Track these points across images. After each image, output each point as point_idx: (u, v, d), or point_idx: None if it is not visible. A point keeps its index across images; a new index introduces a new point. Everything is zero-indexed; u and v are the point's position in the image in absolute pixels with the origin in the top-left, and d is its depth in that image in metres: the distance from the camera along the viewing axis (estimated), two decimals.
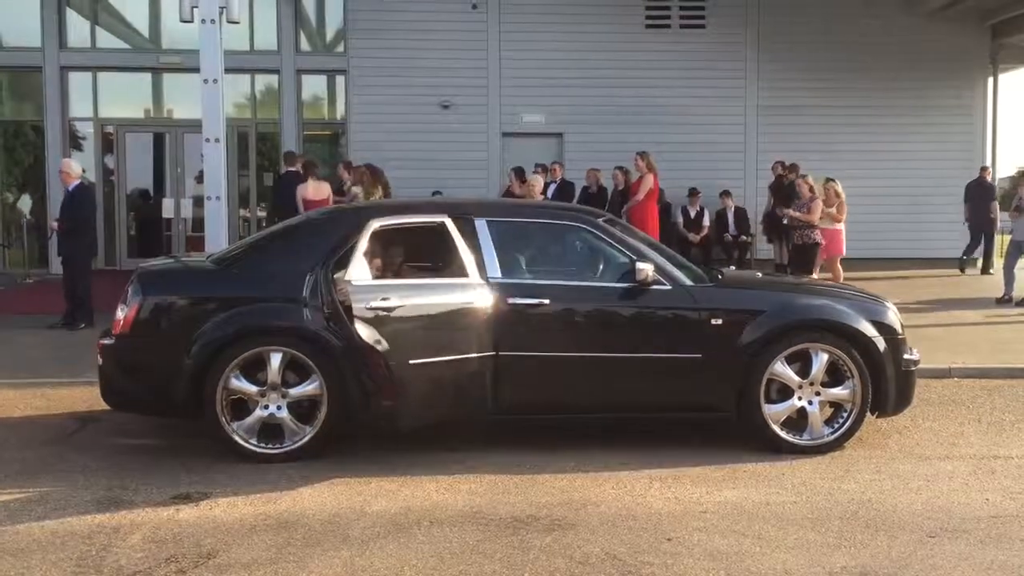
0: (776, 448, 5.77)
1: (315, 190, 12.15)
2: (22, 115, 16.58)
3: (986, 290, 13.05)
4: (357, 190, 12.21)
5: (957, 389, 7.64)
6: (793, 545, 4.38)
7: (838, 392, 5.84)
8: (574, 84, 15.70)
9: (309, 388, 5.55)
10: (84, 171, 16.00)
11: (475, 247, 5.72)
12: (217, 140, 9.31)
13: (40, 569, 4.09)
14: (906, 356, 5.97)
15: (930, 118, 16.18)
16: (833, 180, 12.01)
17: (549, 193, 13.50)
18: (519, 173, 13.43)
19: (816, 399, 5.82)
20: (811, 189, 11.75)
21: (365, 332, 5.21)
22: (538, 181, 11.83)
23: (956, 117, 16.38)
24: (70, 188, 10.37)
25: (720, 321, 5.76)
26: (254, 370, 5.57)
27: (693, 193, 15.03)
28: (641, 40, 15.95)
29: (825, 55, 15.94)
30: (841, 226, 11.56)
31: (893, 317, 6.05)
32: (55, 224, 10.46)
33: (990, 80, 16.79)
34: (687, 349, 5.75)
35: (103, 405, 6.04)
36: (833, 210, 11.49)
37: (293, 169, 13.33)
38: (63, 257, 10.57)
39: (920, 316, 10.58)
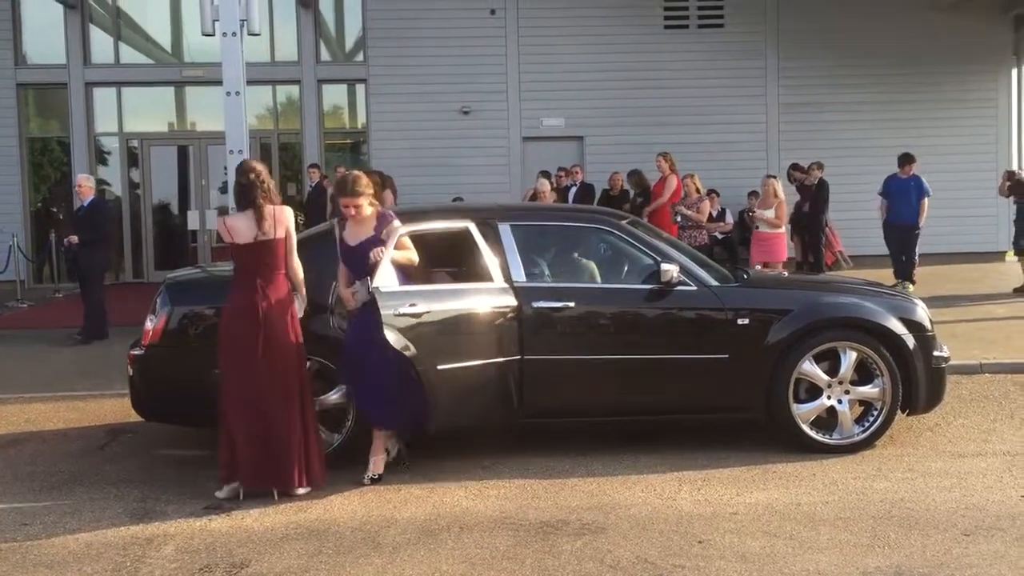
0: (806, 448, 5.73)
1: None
2: (48, 131, 16.77)
3: (1013, 284, 12.86)
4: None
5: (988, 385, 7.55)
6: (826, 546, 4.35)
7: (868, 390, 5.79)
8: (593, 87, 15.70)
9: (335, 396, 5.57)
10: (109, 184, 16.31)
11: (499, 251, 5.73)
12: (240, 151, 9.35)
13: None
14: (936, 353, 5.91)
15: (954, 112, 16.03)
16: (773, 176, 11.78)
17: (570, 196, 13.50)
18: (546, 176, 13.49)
19: (846, 398, 5.78)
20: (697, 190, 11.76)
21: (393, 338, 5.22)
22: (546, 185, 11.91)
23: (980, 110, 16.21)
24: (86, 203, 10.50)
25: (746, 321, 5.73)
26: None
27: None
28: (660, 41, 15.92)
29: (845, 51, 15.83)
30: (782, 230, 11.30)
31: (922, 313, 6.00)
32: (72, 238, 10.42)
33: (1014, 72, 16.61)
34: (714, 350, 5.73)
35: (134, 416, 6.11)
36: (771, 213, 11.16)
37: (317, 180, 13.53)
38: (79, 270, 10.61)
39: (949, 312, 10.47)
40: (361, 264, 5.31)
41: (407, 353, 5.22)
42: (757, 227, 11.46)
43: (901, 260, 12.61)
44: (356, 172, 5.47)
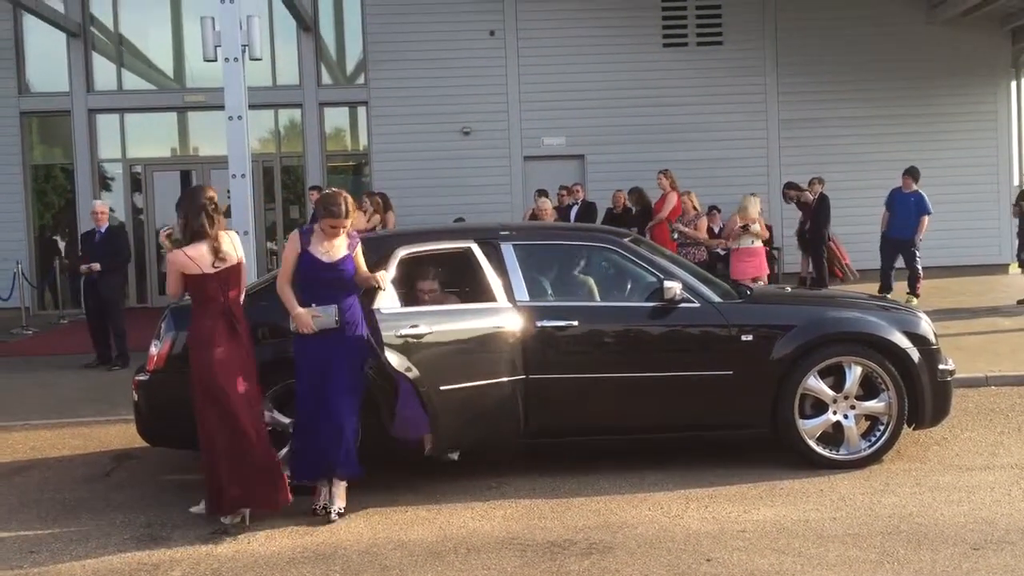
0: (813, 464, 5.71)
1: None
2: (52, 159, 16.85)
3: (1017, 296, 12.85)
4: (377, 218, 12.52)
5: (995, 398, 7.54)
6: (835, 562, 4.33)
7: (873, 405, 5.77)
8: (594, 105, 15.76)
9: None
10: (113, 211, 16.36)
11: (502, 271, 5.73)
12: (243, 176, 9.40)
13: None
14: (941, 366, 5.90)
15: (954, 125, 16.06)
16: (754, 194, 11.82)
17: (572, 214, 13.53)
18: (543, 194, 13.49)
19: (851, 413, 5.76)
20: (695, 207, 11.80)
21: (395, 360, 5.22)
22: (547, 204, 11.92)
23: (980, 123, 16.24)
24: (103, 229, 10.50)
25: (750, 337, 5.73)
26: (284, 401, 5.61)
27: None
28: (659, 59, 15.99)
29: (845, 66, 15.89)
30: (760, 244, 11.32)
31: (926, 327, 5.99)
32: (94, 265, 10.30)
33: (1013, 85, 16.66)
34: (718, 366, 5.72)
35: (139, 442, 6.11)
36: (757, 227, 11.18)
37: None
38: (100, 298, 10.39)
39: (954, 325, 10.46)
40: (331, 283, 5.18)
41: (409, 375, 5.22)
42: (753, 242, 11.40)
43: (890, 274, 12.61)
44: (344, 193, 5.30)
